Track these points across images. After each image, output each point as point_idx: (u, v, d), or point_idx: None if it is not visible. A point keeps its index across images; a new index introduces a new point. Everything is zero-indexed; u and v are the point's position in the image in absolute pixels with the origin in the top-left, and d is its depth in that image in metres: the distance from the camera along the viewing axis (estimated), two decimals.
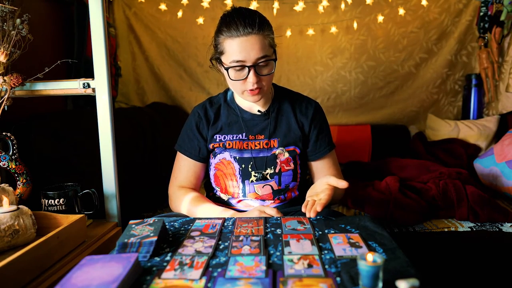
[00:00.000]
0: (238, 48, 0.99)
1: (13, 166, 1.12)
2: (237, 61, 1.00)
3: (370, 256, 0.60)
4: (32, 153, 1.31)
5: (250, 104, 1.16)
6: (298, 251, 0.74)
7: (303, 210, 0.92)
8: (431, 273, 1.22)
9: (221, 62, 1.06)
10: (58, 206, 1.10)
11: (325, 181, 0.97)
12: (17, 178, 1.14)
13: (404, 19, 2.54)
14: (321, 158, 1.17)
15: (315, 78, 2.66)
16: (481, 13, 2.42)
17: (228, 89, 1.21)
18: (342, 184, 0.92)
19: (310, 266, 0.67)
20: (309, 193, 1.01)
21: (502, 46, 2.35)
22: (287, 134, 1.14)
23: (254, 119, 1.15)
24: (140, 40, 2.56)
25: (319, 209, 0.89)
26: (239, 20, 0.98)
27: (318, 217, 0.94)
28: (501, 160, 1.77)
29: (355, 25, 2.53)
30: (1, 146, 1.19)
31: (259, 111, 1.15)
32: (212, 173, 1.16)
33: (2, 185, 1.05)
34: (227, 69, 1.03)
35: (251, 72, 1.01)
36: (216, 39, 1.05)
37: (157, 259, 0.73)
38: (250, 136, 1.14)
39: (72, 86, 1.18)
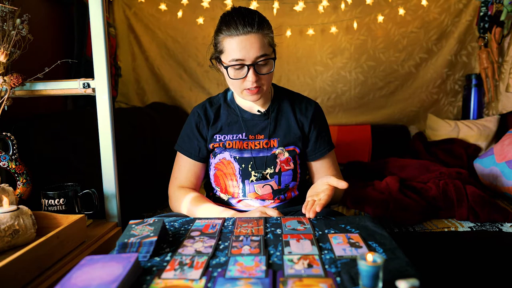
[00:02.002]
0: (237, 47, 0.99)
1: (13, 166, 1.12)
2: (237, 60, 1.00)
3: (370, 256, 0.60)
4: (32, 153, 1.31)
5: (250, 104, 1.16)
6: (298, 251, 0.74)
7: (303, 211, 0.92)
8: (431, 273, 1.22)
9: (220, 61, 1.06)
10: (58, 206, 1.10)
11: (325, 181, 0.97)
12: (17, 178, 1.14)
13: (404, 19, 2.54)
14: (320, 158, 1.17)
15: (315, 78, 2.66)
16: (481, 13, 2.42)
17: (228, 89, 1.21)
18: (342, 184, 0.93)
19: (310, 266, 0.67)
20: (309, 193, 1.01)
21: (502, 46, 2.35)
22: (287, 134, 1.14)
23: (254, 119, 1.15)
24: (140, 40, 2.56)
25: (318, 209, 0.89)
26: (239, 19, 0.99)
27: (318, 217, 0.94)
28: (501, 160, 1.77)
29: (355, 25, 2.53)
30: (1, 146, 1.18)
31: (259, 111, 1.15)
32: (212, 173, 1.16)
33: (2, 185, 1.05)
34: (226, 68, 1.03)
35: (250, 71, 1.01)
36: (215, 38, 1.05)
37: (157, 259, 0.73)
38: (250, 136, 1.14)
39: (72, 86, 1.18)
